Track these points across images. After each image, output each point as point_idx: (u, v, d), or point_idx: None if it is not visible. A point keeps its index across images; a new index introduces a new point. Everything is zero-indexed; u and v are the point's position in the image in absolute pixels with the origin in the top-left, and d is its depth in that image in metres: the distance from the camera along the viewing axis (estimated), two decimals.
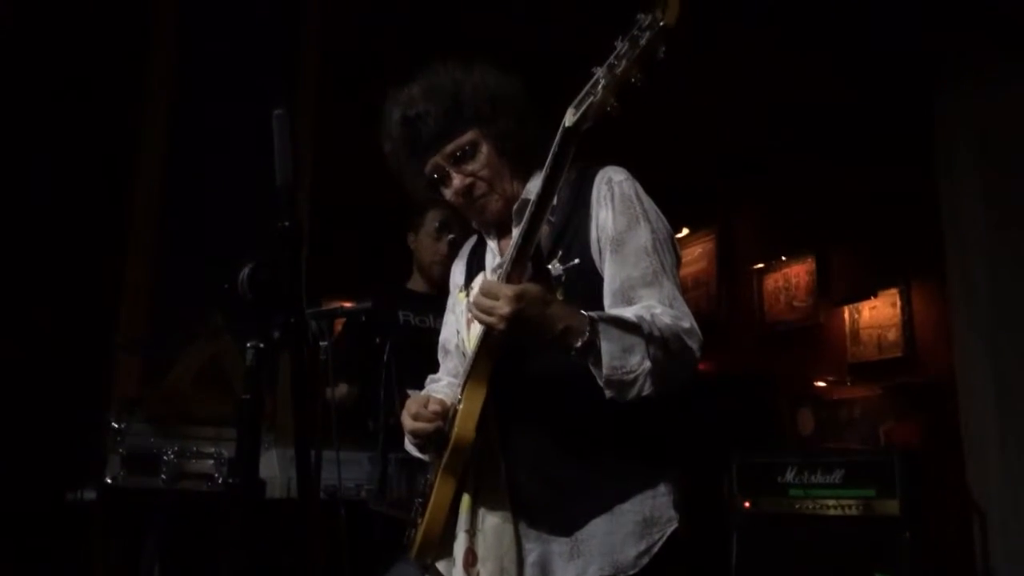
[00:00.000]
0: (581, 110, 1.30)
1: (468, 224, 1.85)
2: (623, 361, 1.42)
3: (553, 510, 1.56)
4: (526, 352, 1.57)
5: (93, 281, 3.24)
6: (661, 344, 1.44)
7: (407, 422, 1.63)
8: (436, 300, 2.93)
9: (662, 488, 1.57)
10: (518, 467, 1.58)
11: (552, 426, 1.57)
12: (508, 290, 1.39)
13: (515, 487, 1.57)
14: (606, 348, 1.42)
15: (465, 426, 1.51)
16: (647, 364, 1.43)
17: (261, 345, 1.30)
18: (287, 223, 1.33)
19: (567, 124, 1.32)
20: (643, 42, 1.20)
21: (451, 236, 3.03)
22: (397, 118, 1.68)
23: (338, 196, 4.22)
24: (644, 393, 1.45)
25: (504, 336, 1.44)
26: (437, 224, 3.09)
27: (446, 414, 1.61)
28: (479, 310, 1.42)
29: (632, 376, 1.43)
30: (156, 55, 3.20)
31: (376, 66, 3.70)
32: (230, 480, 2.54)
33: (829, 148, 5.04)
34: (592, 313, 1.45)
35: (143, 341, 2.80)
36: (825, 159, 5.08)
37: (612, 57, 1.25)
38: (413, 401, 1.66)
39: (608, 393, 1.46)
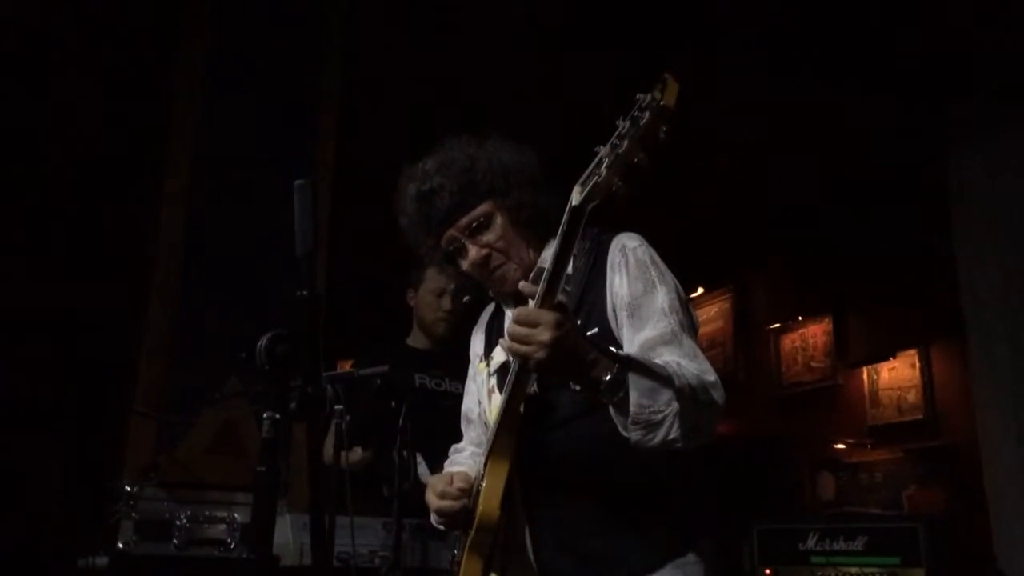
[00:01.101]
0: (587, 189, 1.28)
1: (479, 286, 1.84)
2: (651, 400, 1.37)
3: None
4: (549, 424, 1.55)
5: (110, 346, 3.26)
6: (688, 391, 1.41)
7: (433, 501, 1.63)
8: (448, 360, 2.92)
9: (691, 557, 1.53)
10: (545, 541, 1.56)
11: (578, 499, 1.56)
12: (549, 316, 1.32)
13: (543, 562, 1.55)
14: (634, 387, 1.37)
15: (489, 504, 1.50)
16: (675, 405, 1.38)
17: (277, 416, 1.30)
18: (306, 292, 1.34)
19: (573, 203, 1.31)
20: (643, 122, 1.18)
21: (467, 298, 3.02)
22: (412, 193, 1.70)
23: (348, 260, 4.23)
24: (670, 438, 1.39)
25: (539, 367, 1.36)
26: (453, 288, 3.09)
27: (471, 490, 1.60)
28: (516, 340, 1.34)
29: (660, 416, 1.38)
30: (177, 120, 3.25)
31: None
32: (244, 556, 2.51)
33: (845, 207, 5.05)
34: (620, 352, 1.43)
35: (159, 407, 2.79)
36: (841, 218, 5.09)
37: (614, 136, 1.23)
38: (439, 479, 1.66)
39: (634, 437, 1.40)
